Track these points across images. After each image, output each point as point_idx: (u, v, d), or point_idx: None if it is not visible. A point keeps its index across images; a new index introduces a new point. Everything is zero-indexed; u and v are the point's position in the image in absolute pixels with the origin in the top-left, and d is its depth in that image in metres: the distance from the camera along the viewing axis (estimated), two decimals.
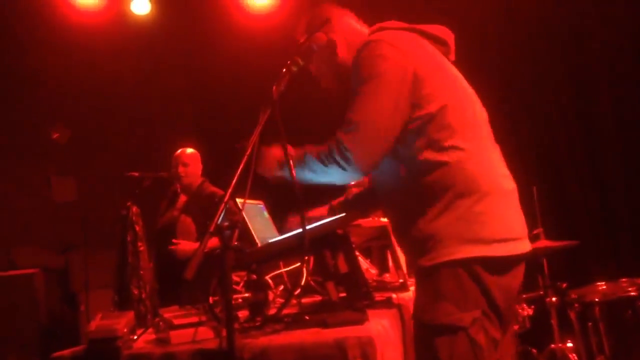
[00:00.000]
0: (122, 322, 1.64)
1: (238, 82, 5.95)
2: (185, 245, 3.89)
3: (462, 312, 1.66)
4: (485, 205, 1.71)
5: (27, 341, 5.42)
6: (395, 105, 1.75)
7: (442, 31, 2.02)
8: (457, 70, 1.98)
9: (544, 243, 3.82)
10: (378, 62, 1.78)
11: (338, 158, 1.74)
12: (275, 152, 1.95)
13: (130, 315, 1.77)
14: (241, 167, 1.55)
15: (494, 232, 1.70)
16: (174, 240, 3.91)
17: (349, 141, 1.73)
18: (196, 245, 3.83)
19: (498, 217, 1.73)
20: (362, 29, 2.08)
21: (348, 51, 1.98)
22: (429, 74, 1.79)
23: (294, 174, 1.70)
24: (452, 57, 2.03)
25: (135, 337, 1.73)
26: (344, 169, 1.75)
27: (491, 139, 1.92)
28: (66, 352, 1.73)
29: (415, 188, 1.76)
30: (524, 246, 1.81)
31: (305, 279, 2.03)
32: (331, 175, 1.81)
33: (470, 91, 1.96)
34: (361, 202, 2.30)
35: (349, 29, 2.05)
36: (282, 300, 1.92)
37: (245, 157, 1.57)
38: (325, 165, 1.78)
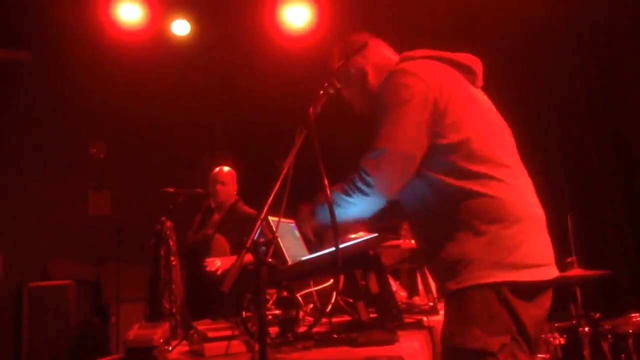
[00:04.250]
0: (158, 333, 1.68)
1: (275, 102, 6.04)
2: (222, 264, 3.89)
3: (490, 336, 1.65)
4: (516, 231, 1.72)
5: (58, 350, 5.52)
6: (417, 131, 1.79)
7: (468, 59, 2.04)
8: (485, 97, 2.01)
9: (577, 272, 3.75)
10: (400, 90, 1.83)
11: (360, 184, 1.78)
12: (306, 205, 2.01)
13: (165, 326, 1.80)
14: (277, 186, 1.58)
15: (523, 257, 1.71)
16: (207, 260, 3.92)
17: (370, 166, 1.77)
18: (228, 259, 3.85)
19: (527, 243, 1.73)
20: (393, 56, 2.12)
21: (378, 78, 2.04)
22: (453, 103, 1.82)
23: (330, 196, 1.72)
24: (480, 83, 2.04)
25: (170, 349, 1.77)
26: (366, 194, 1.78)
27: (520, 166, 1.93)
28: None
29: (444, 214, 1.78)
30: (552, 272, 1.81)
31: (335, 298, 2.04)
32: (356, 205, 1.84)
33: (497, 118, 1.98)
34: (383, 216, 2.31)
35: (381, 56, 2.11)
36: (311, 319, 1.94)
37: (281, 177, 1.61)
38: (350, 196, 1.82)
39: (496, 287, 1.67)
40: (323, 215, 1.92)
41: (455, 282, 1.72)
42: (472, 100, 1.93)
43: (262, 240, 1.45)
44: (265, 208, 1.53)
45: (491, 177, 1.76)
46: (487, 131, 1.86)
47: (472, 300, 1.69)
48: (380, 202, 1.84)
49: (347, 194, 1.82)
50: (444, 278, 1.77)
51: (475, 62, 2.05)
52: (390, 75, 1.91)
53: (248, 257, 1.38)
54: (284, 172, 1.62)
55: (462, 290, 1.70)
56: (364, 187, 1.78)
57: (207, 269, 3.83)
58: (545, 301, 1.82)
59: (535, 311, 1.76)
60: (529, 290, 1.72)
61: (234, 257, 3.85)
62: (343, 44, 2.17)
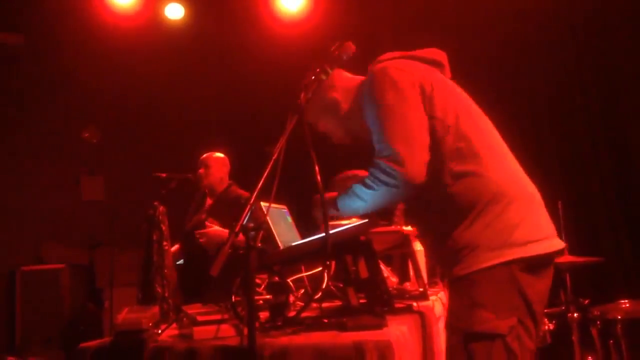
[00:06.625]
0: (147, 316, 1.69)
1: (268, 87, 6.02)
2: (215, 231, 3.82)
3: (499, 319, 1.68)
4: (515, 209, 1.75)
5: (51, 334, 5.54)
6: (417, 115, 1.82)
7: (434, 53, 2.09)
8: (458, 86, 2.05)
9: (567, 258, 3.78)
10: (388, 85, 1.86)
11: (385, 179, 1.78)
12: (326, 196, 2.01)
13: (155, 309, 1.81)
14: (267, 171, 1.58)
15: (526, 234, 1.74)
16: (206, 223, 3.87)
17: (391, 162, 1.77)
18: (219, 230, 3.81)
19: (528, 220, 1.76)
20: (355, 77, 2.16)
21: (348, 100, 2.09)
22: (436, 89, 1.87)
23: (319, 178, 1.72)
24: (448, 75, 2.10)
25: (160, 332, 1.78)
26: (395, 187, 1.78)
27: (505, 148, 1.97)
28: (92, 343, 1.78)
29: (444, 201, 1.81)
30: (556, 244, 1.84)
31: (326, 283, 2.05)
32: (383, 197, 1.84)
33: (475, 104, 2.02)
34: None
35: (345, 79, 2.14)
36: (302, 304, 1.95)
37: (272, 162, 1.61)
38: (375, 190, 1.82)
39: (504, 266, 1.71)
40: (342, 206, 1.94)
41: (462, 267, 1.75)
42: (449, 88, 1.98)
43: (251, 225, 1.45)
44: (255, 193, 1.54)
45: (482, 158, 1.80)
46: (469, 114, 1.91)
47: (480, 283, 1.72)
48: (409, 189, 1.81)
49: (372, 188, 1.83)
50: (451, 265, 1.80)
51: (441, 55, 2.11)
52: (372, 76, 1.94)
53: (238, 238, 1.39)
54: (274, 157, 1.62)
55: (469, 275, 1.73)
56: (390, 181, 1.78)
57: (201, 240, 3.79)
58: (549, 275, 1.85)
59: (540, 286, 1.79)
60: (535, 264, 1.75)
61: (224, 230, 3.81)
62: (310, 74, 2.17)
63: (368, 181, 1.84)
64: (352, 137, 2.15)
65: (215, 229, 3.80)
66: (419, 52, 2.07)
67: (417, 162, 1.79)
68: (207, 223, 3.85)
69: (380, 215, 2.26)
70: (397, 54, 2.06)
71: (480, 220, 1.74)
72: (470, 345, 1.70)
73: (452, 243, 1.78)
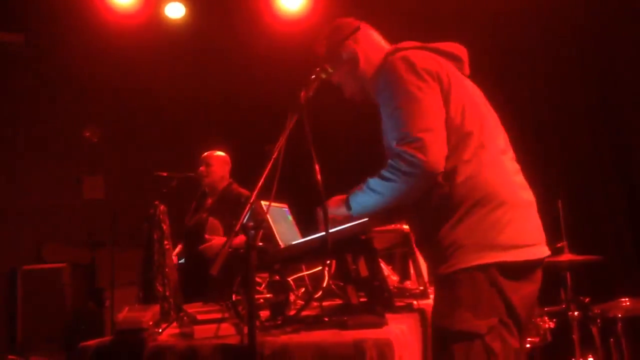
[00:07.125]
0: (147, 315, 1.69)
1: (269, 86, 6.01)
2: (217, 241, 3.84)
3: (478, 319, 1.68)
4: (503, 213, 1.75)
5: (52, 333, 5.54)
6: (438, 107, 1.82)
7: (455, 47, 2.08)
8: (473, 84, 2.05)
9: (567, 257, 3.77)
10: (411, 74, 1.85)
11: (406, 168, 1.76)
12: (336, 198, 2.01)
13: (155, 309, 1.82)
14: (267, 170, 1.59)
15: (510, 238, 1.74)
16: (206, 237, 3.88)
17: (413, 149, 1.75)
18: (220, 239, 3.81)
19: (515, 224, 1.76)
20: (382, 43, 2.14)
21: (368, 64, 2.06)
22: (452, 87, 1.87)
23: (319, 176, 1.72)
24: (467, 71, 2.08)
25: (160, 331, 1.78)
26: (415, 177, 1.76)
27: (510, 151, 1.95)
28: (93, 342, 1.78)
29: (434, 198, 1.80)
30: (541, 251, 1.84)
31: (327, 282, 2.05)
32: (401, 190, 1.81)
33: (486, 104, 2.02)
34: None
35: (370, 42, 2.12)
36: (302, 302, 1.95)
37: (272, 160, 1.61)
38: (393, 181, 1.80)
39: (485, 268, 1.71)
40: (355, 203, 1.93)
41: (446, 266, 1.76)
42: (464, 86, 1.97)
43: (251, 223, 1.46)
44: (255, 192, 1.54)
45: (479, 159, 1.80)
46: (476, 115, 1.89)
47: (461, 283, 1.72)
48: (429, 178, 1.79)
49: (389, 180, 1.81)
50: (436, 262, 1.80)
51: (461, 51, 2.09)
52: (390, 65, 1.92)
53: (240, 240, 1.40)
54: (274, 156, 1.62)
55: (452, 274, 1.74)
56: (410, 169, 1.76)
57: (204, 245, 3.80)
58: (535, 280, 1.86)
59: (524, 291, 1.80)
60: (518, 270, 1.76)
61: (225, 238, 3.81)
62: (332, 28, 2.16)
63: (386, 173, 1.82)
64: (365, 96, 2.11)
65: (218, 239, 3.80)
66: (441, 45, 2.05)
67: (439, 152, 1.77)
68: (207, 236, 3.84)
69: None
70: (417, 43, 2.04)
71: (467, 219, 1.74)
72: (451, 343, 1.71)
73: (438, 241, 1.78)
